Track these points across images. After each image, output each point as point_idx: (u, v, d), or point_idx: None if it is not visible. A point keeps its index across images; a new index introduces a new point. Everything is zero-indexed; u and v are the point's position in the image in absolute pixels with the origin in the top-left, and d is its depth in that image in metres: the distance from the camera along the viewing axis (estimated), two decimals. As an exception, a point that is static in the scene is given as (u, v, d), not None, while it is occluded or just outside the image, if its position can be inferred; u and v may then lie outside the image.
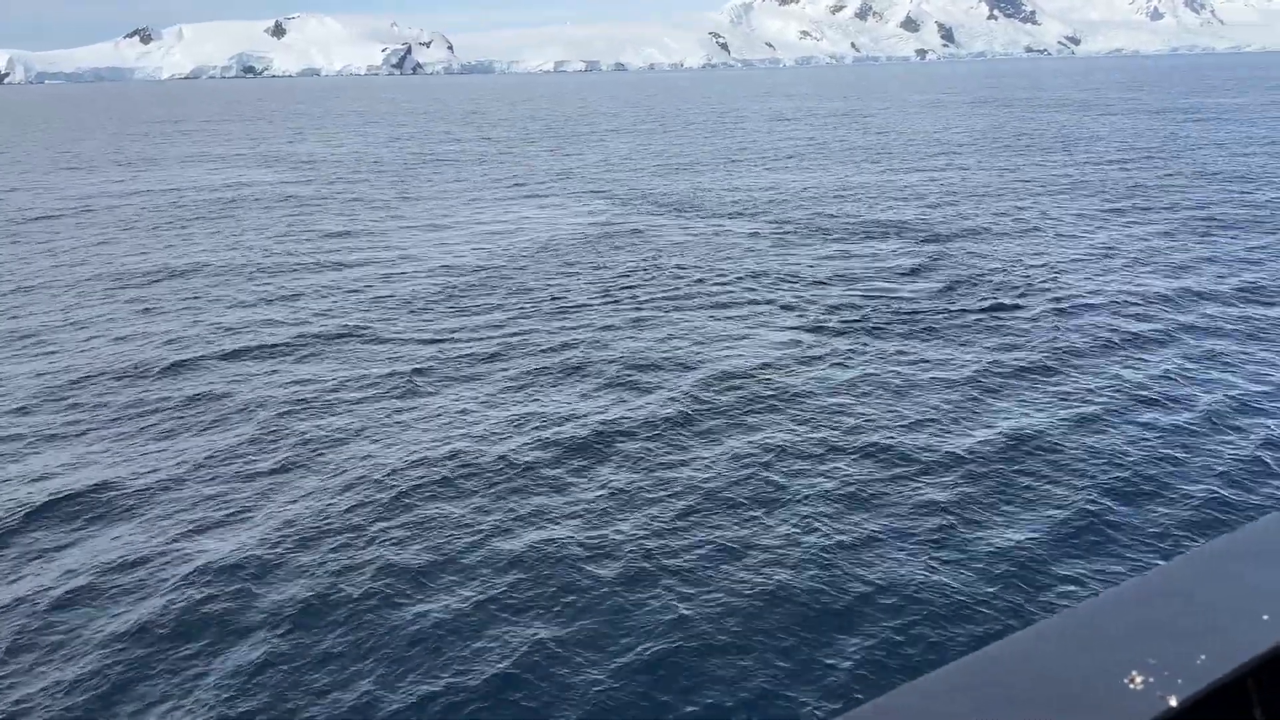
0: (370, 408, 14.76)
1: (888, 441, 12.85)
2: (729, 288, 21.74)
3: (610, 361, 16.57)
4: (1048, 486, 11.48)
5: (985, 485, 11.54)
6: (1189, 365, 15.74)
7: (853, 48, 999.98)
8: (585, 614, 9.07)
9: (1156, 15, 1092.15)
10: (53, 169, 55.99)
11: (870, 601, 9.15)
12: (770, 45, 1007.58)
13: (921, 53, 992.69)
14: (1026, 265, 23.12)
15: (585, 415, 14.10)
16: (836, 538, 10.35)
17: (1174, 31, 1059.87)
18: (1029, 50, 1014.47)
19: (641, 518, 10.90)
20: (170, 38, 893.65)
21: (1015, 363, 15.95)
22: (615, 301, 20.77)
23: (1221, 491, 11.26)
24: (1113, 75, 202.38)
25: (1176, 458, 12.20)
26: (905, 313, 19.12)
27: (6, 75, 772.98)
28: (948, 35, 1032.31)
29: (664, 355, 16.87)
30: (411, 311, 20.51)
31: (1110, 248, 25.09)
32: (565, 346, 17.51)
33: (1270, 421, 13.31)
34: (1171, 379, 15.04)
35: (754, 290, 21.46)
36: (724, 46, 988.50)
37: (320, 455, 12.99)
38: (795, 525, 10.64)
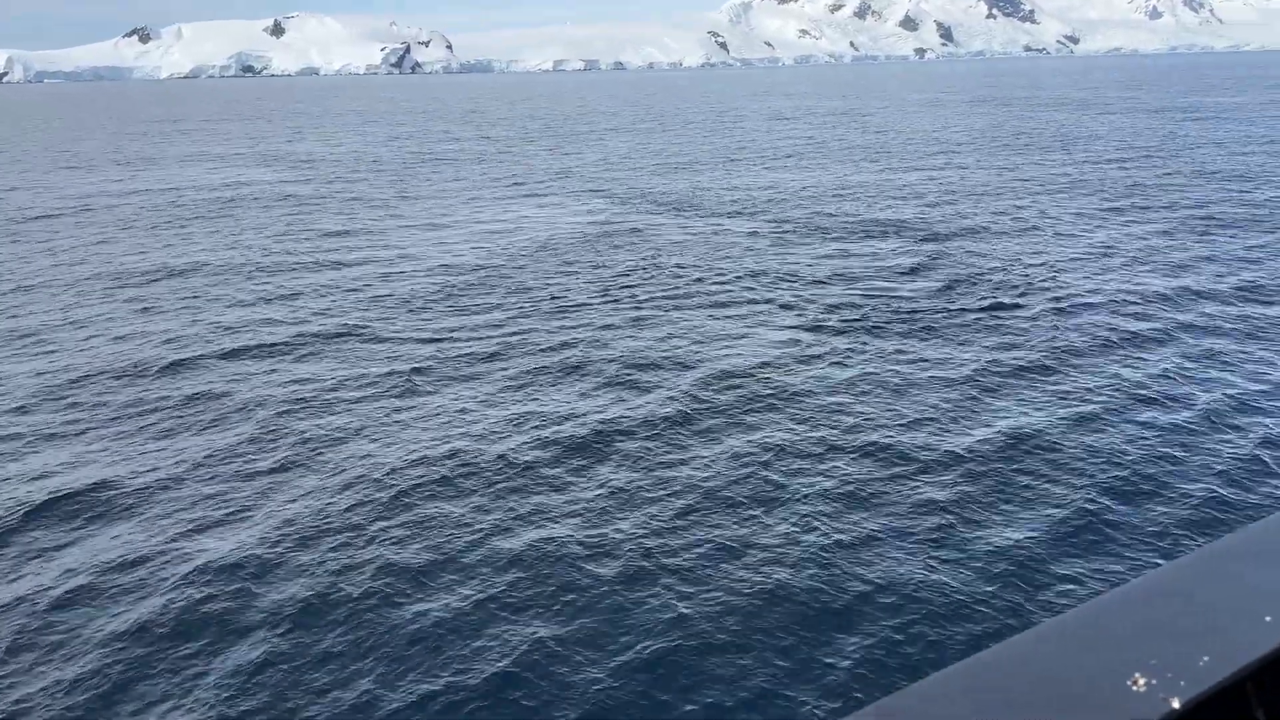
0: (369, 407, 14.76)
1: (887, 440, 12.86)
2: (728, 287, 21.74)
3: (609, 361, 16.57)
4: (1047, 485, 11.49)
5: (984, 484, 11.55)
6: (1188, 364, 15.76)
7: (851, 47, 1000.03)
8: (585, 613, 9.08)
9: (1155, 14, 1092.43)
10: (52, 168, 55.97)
11: (869, 601, 9.16)
12: (769, 44, 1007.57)
13: (920, 52, 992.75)
14: (1025, 264, 23.14)
15: (584, 414, 14.10)
16: (835, 537, 10.36)
17: (1173, 30, 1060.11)
18: (1028, 49, 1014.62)
19: (641, 517, 10.90)
20: (169, 37, 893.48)
21: (1014, 362, 15.96)
22: (614, 300, 20.77)
23: (1220, 491, 11.27)
24: (1111, 74, 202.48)
25: (1175, 457, 12.21)
26: (904, 312, 19.13)
27: (5, 75, 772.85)
28: (946, 34, 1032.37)
29: (663, 354, 16.87)
30: (410, 311, 20.51)
31: (1109, 247, 25.10)
32: (564, 345, 17.51)
33: (1269, 420, 13.33)
34: (1170, 378, 15.06)
35: (753, 289, 21.47)
36: (723, 46, 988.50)
37: (319, 454, 13.00)
38: (794, 524, 10.65)
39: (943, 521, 10.66)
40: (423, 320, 19.69)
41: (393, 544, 10.47)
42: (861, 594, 9.26)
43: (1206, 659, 1.21)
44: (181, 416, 14.65)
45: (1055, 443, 12.66)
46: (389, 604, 9.32)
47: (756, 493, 11.46)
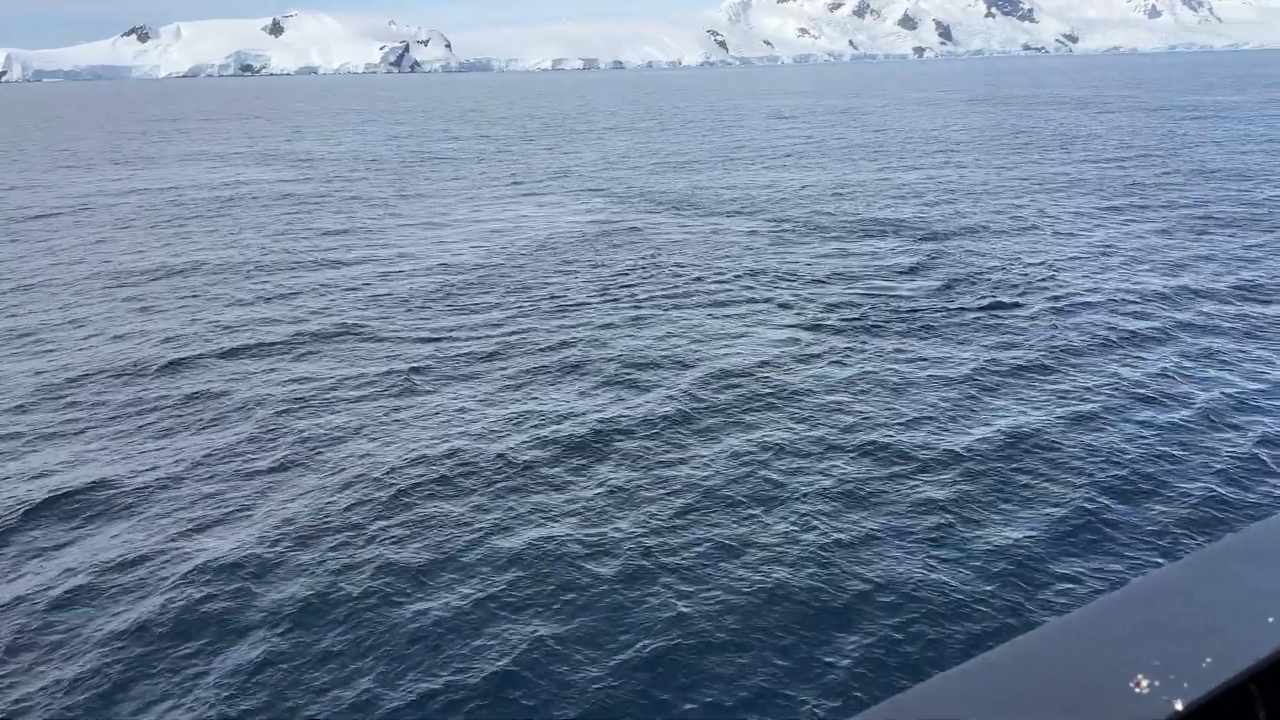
0: (368, 406, 14.77)
1: (886, 440, 12.87)
2: (727, 286, 21.75)
3: (609, 360, 16.58)
4: (1046, 484, 11.50)
5: (983, 483, 11.56)
6: (1186, 363, 15.77)
7: (850, 45, 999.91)
8: (584, 612, 9.09)
9: (1154, 13, 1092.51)
10: (51, 167, 55.94)
11: (869, 600, 9.17)
12: (768, 43, 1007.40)
13: (919, 50, 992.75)
14: (1024, 263, 23.15)
15: (584, 413, 14.11)
16: (835, 536, 10.37)
17: (1172, 29, 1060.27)
18: (1027, 48, 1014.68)
19: (640, 516, 10.91)
20: (168, 36, 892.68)
21: (1013, 361, 15.97)
22: (614, 300, 20.77)
23: (1219, 490, 11.29)
24: (1110, 73, 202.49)
25: (1174, 456, 12.22)
26: (903, 311, 19.14)
27: (4, 74, 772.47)
28: (945, 33, 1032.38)
29: (662, 353, 16.88)
30: (409, 310, 20.52)
31: (1108, 246, 25.12)
32: (564, 345, 17.52)
33: (1267, 419, 13.34)
34: (1169, 377, 15.07)
35: (752, 288, 21.48)
36: (722, 44, 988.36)
37: (319, 453, 13.00)
38: (794, 523, 10.66)
39: (942, 520, 10.67)
40: (422, 319, 19.70)
41: (392, 543, 10.47)
42: (861, 593, 9.28)
43: (1209, 660, 1.21)
44: (180, 415, 14.65)
45: (1054, 441, 12.67)
46: (389, 603, 9.33)
47: (756, 492, 11.47)
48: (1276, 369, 15.49)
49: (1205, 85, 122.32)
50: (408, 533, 10.71)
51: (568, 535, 10.48)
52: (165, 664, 8.56)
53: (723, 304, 20.28)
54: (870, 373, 15.54)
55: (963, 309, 19.16)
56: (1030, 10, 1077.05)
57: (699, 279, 22.50)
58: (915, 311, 19.06)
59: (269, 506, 11.45)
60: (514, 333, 18.40)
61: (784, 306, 19.89)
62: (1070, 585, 9.31)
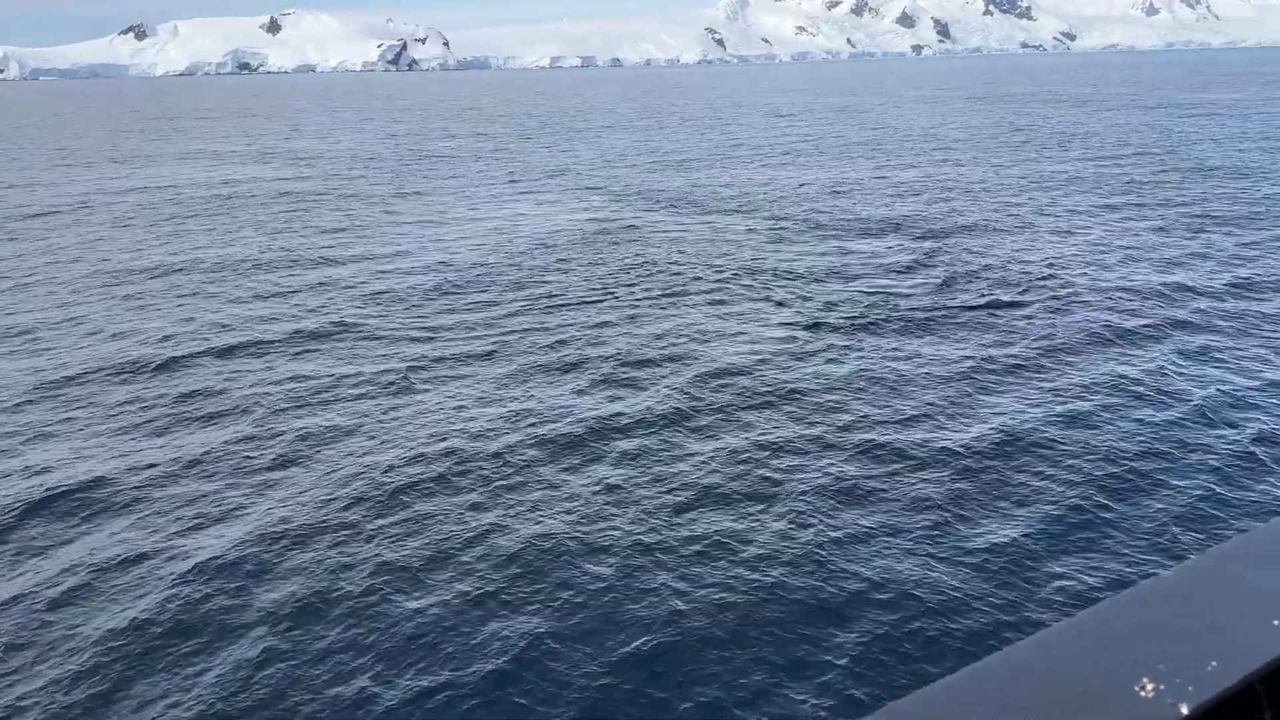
0: (366, 404, 14.77)
1: (883, 438, 12.89)
2: (725, 284, 21.76)
3: (606, 358, 16.59)
4: (1043, 482, 11.52)
5: (980, 481, 11.58)
6: (1183, 361, 15.80)
7: (849, 43, 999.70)
8: (582, 610, 9.10)
9: (1152, 10, 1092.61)
10: (49, 165, 55.89)
11: (866, 598, 9.19)
12: (766, 41, 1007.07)
13: (917, 48, 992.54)
14: (1022, 261, 23.17)
15: (581, 411, 14.12)
16: (832, 534, 10.38)
17: (1169, 26, 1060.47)
18: (1025, 46, 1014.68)
19: (638, 514, 10.93)
20: (165, 34, 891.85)
21: (1010, 359, 15.99)
22: (611, 298, 20.79)
23: (1216, 487, 11.31)
24: (1108, 71, 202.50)
25: (1171, 453, 12.25)
26: (901, 309, 19.16)
27: (1, 72, 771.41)
28: (943, 31, 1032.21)
29: (660, 351, 16.89)
30: (407, 308, 20.52)
31: (1105, 244, 25.14)
32: (561, 343, 17.53)
33: (1264, 417, 13.37)
34: (1166, 374, 15.09)
35: (750, 286, 21.49)
36: (720, 42, 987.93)
37: (317, 452, 13.01)
38: (791, 521, 10.68)
39: (939, 518, 10.69)
40: (419, 317, 19.71)
41: (390, 541, 10.48)
42: (858, 591, 9.29)
43: (1215, 663, 1.21)
44: (179, 414, 14.66)
45: (1051, 439, 12.69)
46: (387, 601, 9.34)
47: (753, 490, 11.49)
48: (1273, 367, 15.52)
49: (1203, 83, 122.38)
50: (406, 531, 10.72)
51: (565, 533, 10.50)
52: (164, 662, 8.57)
53: (720, 302, 20.29)
54: (868, 371, 15.56)
55: (960, 307, 19.18)
56: (1028, 8, 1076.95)
57: (696, 277, 22.51)
58: (913, 309, 19.08)
59: (267, 504, 11.46)
60: (511, 331, 18.41)
61: (781, 304, 19.91)
62: (1067, 583, 9.33)
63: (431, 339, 18.12)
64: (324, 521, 10.96)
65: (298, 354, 17.45)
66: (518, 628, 8.83)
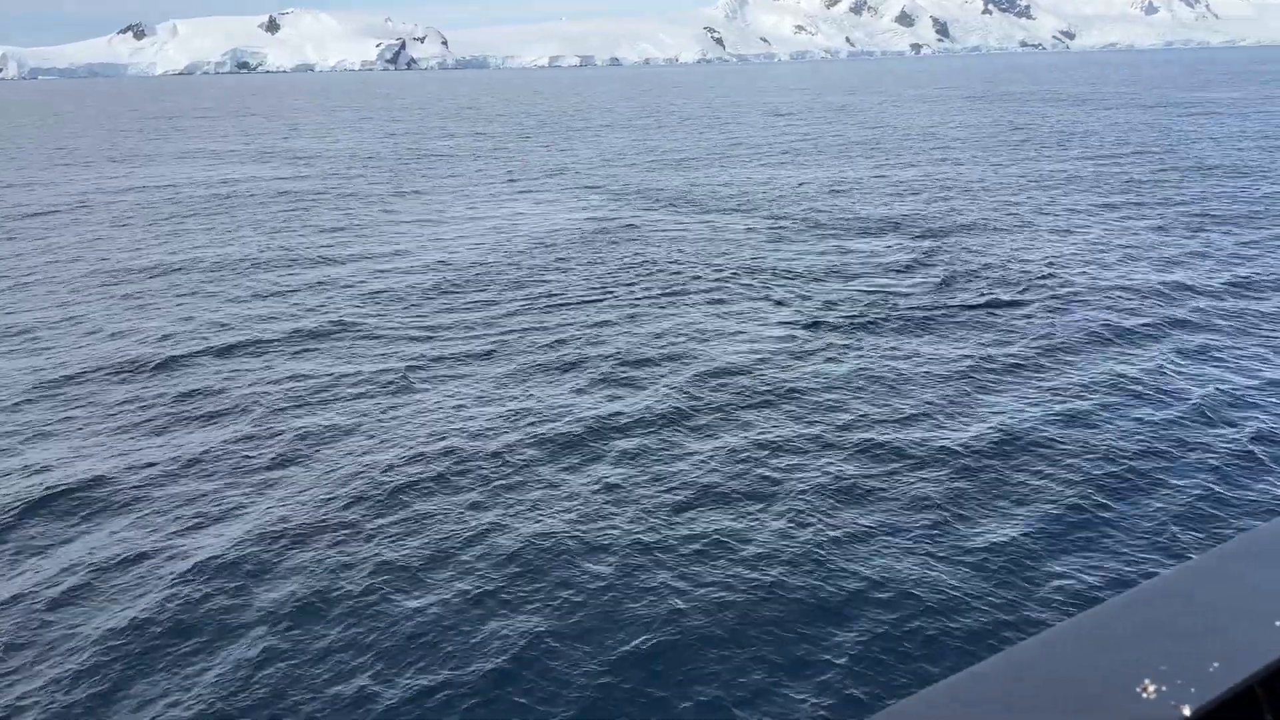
0: (365, 403, 14.78)
1: (882, 437, 12.89)
2: (724, 283, 21.77)
3: (605, 357, 16.59)
4: (1042, 481, 11.53)
5: (979, 480, 11.59)
6: (1182, 360, 15.81)
7: (847, 42, 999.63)
8: (582, 609, 9.11)
9: (1151, 9, 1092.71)
10: (48, 165, 55.86)
11: (865, 597, 9.19)
12: (765, 40, 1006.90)
13: (916, 47, 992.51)
14: (1021, 260, 23.18)
15: (580, 410, 14.13)
16: (831, 533, 10.39)
17: (1168, 25, 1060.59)
18: (1024, 45, 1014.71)
19: (637, 512, 10.93)
20: (164, 33, 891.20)
21: (1009, 358, 16.00)
22: (610, 297, 20.79)
23: (1215, 487, 11.32)
24: (1107, 70, 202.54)
25: (1170, 452, 12.25)
26: (900, 308, 19.17)
27: (0, 71, 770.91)
28: (942, 30, 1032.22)
29: (659, 350, 16.90)
30: (406, 307, 20.52)
31: (1104, 243, 25.15)
32: (560, 342, 17.53)
33: (1263, 415, 13.38)
34: (1165, 373, 15.10)
35: (749, 285, 21.50)
36: (719, 41, 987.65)
37: (316, 451, 13.01)
38: (791, 520, 10.68)
39: (938, 517, 10.69)
40: (418, 316, 19.71)
41: (390, 540, 10.49)
42: (858, 590, 9.30)
43: (1216, 664, 1.21)
44: (178, 413, 14.66)
45: (1050, 438, 12.70)
46: (387, 600, 9.35)
47: (752, 489, 11.49)
48: (1272, 366, 15.53)
49: (1202, 82, 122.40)
50: (405, 530, 10.73)
51: (565, 532, 10.50)
52: (164, 662, 8.57)
53: (719, 301, 20.29)
54: (867, 370, 15.57)
55: (959, 306, 19.19)
56: (1027, 7, 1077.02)
57: (696, 276, 22.51)
58: (912, 309, 19.09)
59: (266, 504, 11.46)
60: (510, 330, 18.41)
61: (780, 303, 19.92)
62: (1066, 582, 9.34)
63: (430, 338, 18.12)
64: (323, 521, 10.96)
65: (297, 353, 17.45)
66: (517, 627, 8.84)
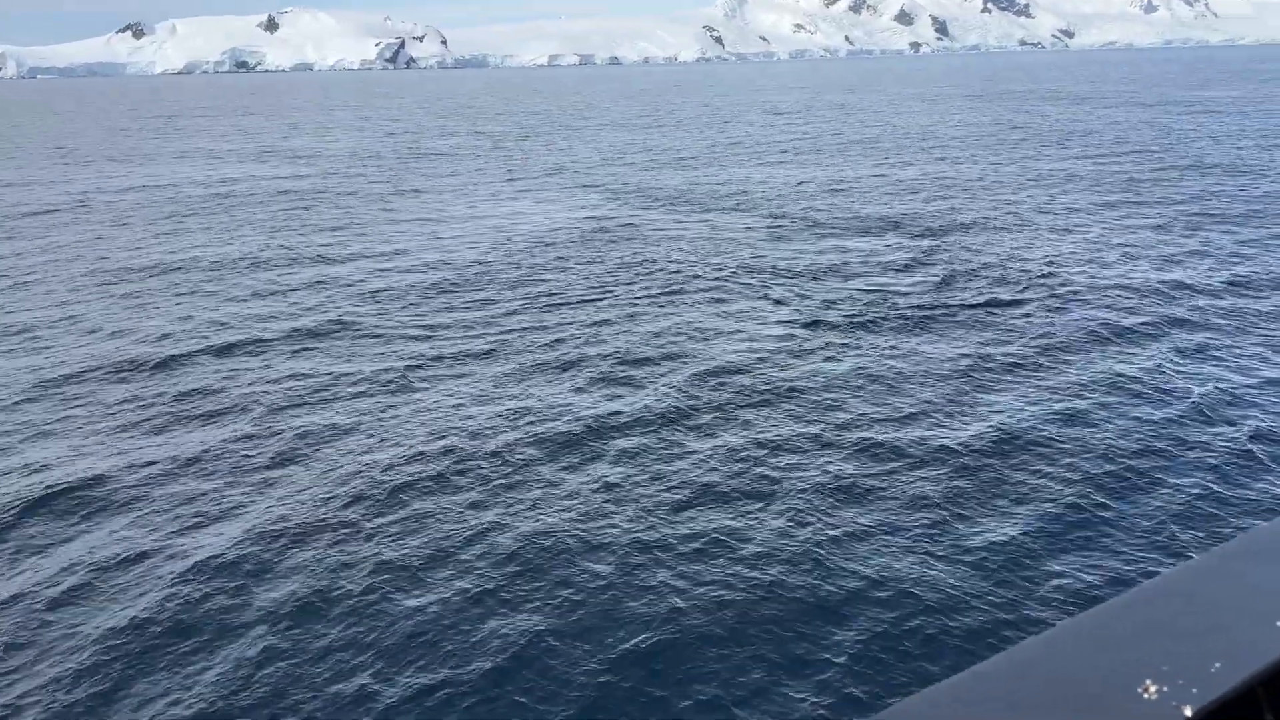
0: (365, 403, 14.78)
1: (882, 436, 12.90)
2: (723, 282, 21.78)
3: (604, 356, 16.60)
4: (1041, 480, 11.54)
5: (979, 479, 11.60)
6: (1181, 359, 15.82)
7: (847, 41, 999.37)
8: (581, 607, 9.12)
9: (1150, 8, 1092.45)
10: (47, 164, 55.84)
11: (865, 596, 9.20)
12: (764, 39, 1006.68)
13: (915, 46, 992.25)
14: (1020, 259, 23.19)
15: (580, 410, 14.14)
16: (831, 532, 10.40)
17: (1168, 24, 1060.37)
18: (1023, 43, 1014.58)
19: (636, 511, 10.94)
20: (163, 33, 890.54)
21: (1009, 356, 16.01)
22: (610, 296, 20.80)
23: (1214, 485, 11.33)
24: (1106, 68, 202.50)
25: (1169, 451, 12.27)
26: (899, 307, 19.17)
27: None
28: (941, 28, 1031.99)
29: (658, 349, 16.91)
30: (406, 306, 20.53)
31: (1104, 241, 25.16)
32: (559, 341, 17.54)
33: (1262, 414, 13.39)
34: (1164, 372, 15.11)
35: (748, 284, 21.51)
36: (718, 40, 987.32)
37: (316, 450, 13.02)
38: (790, 519, 10.69)
39: (937, 517, 10.70)
40: (418, 315, 19.71)
41: (390, 540, 10.50)
42: (857, 589, 9.31)
43: (1218, 664, 1.21)
44: (177, 412, 14.66)
45: (1050, 437, 12.71)
46: (387, 599, 9.35)
47: (752, 488, 11.50)
48: (1271, 364, 15.55)
49: (1201, 80, 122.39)
50: (405, 529, 10.74)
51: (564, 531, 10.51)
52: (164, 661, 8.58)
53: (719, 300, 20.30)
54: (866, 369, 15.58)
55: (959, 305, 19.19)
56: (1026, 5, 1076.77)
57: (695, 275, 22.52)
58: (911, 308, 19.10)
59: (266, 503, 11.47)
60: (510, 329, 18.42)
61: (780, 303, 19.93)
62: (1065, 581, 9.35)
63: (430, 337, 18.13)
64: (323, 520, 10.97)
65: (296, 352, 17.46)
66: (517, 625, 8.85)
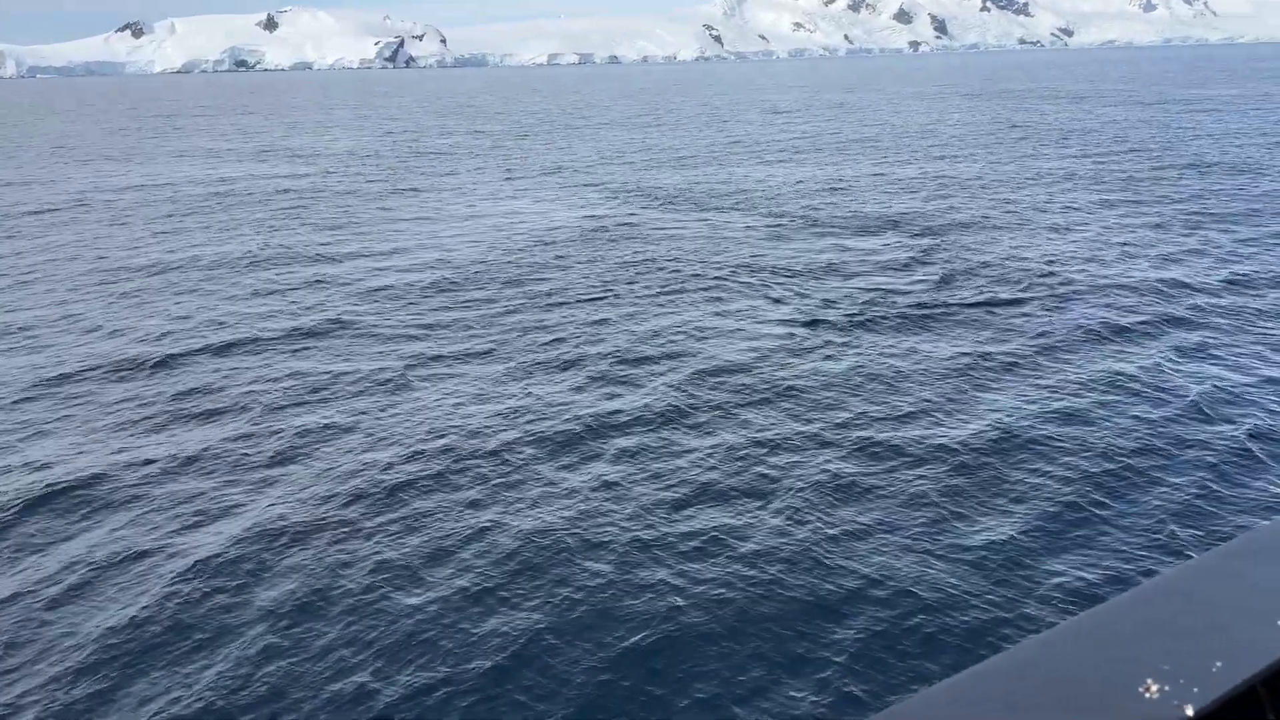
0: (364, 401, 14.79)
1: (881, 434, 12.91)
2: (723, 281, 21.78)
3: (604, 355, 16.61)
4: (1040, 479, 11.55)
5: (978, 477, 11.60)
6: (1180, 357, 15.82)
7: (846, 40, 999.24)
8: (580, 606, 9.12)
9: (1149, 6, 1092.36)
10: (46, 163, 55.82)
11: (864, 594, 9.21)
12: (763, 37, 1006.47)
13: (915, 45, 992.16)
14: (1019, 258, 23.19)
15: (579, 408, 14.14)
16: (830, 530, 10.41)
17: (1167, 22, 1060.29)
18: (1022, 42, 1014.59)
19: (636, 510, 10.95)
20: (162, 32, 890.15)
21: (1007, 355, 16.02)
22: (609, 295, 20.80)
23: (1212, 484, 11.34)
24: (1105, 67, 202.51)
25: (1167, 450, 12.27)
26: (898, 306, 19.18)
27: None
28: (941, 27, 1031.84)
29: (658, 348, 16.91)
30: (405, 305, 20.53)
31: (1103, 240, 25.17)
32: (559, 340, 17.54)
33: (1261, 413, 13.40)
34: (1163, 371, 15.12)
35: (747, 283, 21.51)
36: (717, 39, 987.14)
37: (315, 449, 13.02)
38: (789, 518, 10.70)
39: (936, 515, 10.71)
40: (417, 314, 19.71)
41: (389, 538, 10.50)
42: (856, 588, 9.31)
43: (1219, 664, 1.21)
44: (176, 411, 14.67)
45: (1049, 436, 12.72)
46: (386, 598, 9.36)
47: (751, 486, 11.51)
48: (1270, 363, 15.55)
49: (1201, 79, 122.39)
50: (404, 528, 10.74)
51: (564, 530, 10.52)
52: (163, 660, 8.58)
53: (718, 299, 20.31)
54: (865, 367, 15.58)
55: (958, 304, 19.20)
56: (1025, 4, 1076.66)
57: (694, 274, 22.52)
58: (910, 306, 19.11)
59: (265, 502, 11.47)
60: (509, 328, 18.42)
61: (779, 301, 19.93)
62: (1064, 580, 9.35)
63: (429, 336, 18.13)
64: (322, 519, 10.97)
65: (295, 351, 17.46)
66: (517, 624, 8.85)
